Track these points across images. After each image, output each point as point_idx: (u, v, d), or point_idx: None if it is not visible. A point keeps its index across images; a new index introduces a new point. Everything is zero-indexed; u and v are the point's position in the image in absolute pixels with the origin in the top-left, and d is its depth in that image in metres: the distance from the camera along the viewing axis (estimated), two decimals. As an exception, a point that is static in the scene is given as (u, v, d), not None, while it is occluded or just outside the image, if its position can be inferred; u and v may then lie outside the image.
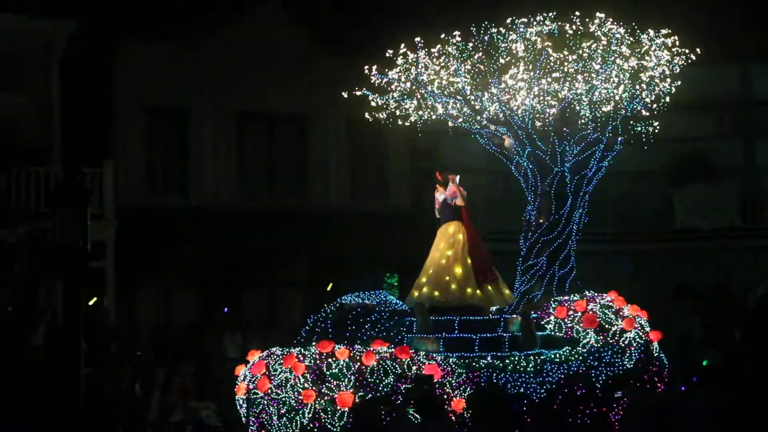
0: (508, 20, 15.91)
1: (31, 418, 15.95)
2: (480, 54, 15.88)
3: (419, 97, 16.22)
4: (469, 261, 15.88)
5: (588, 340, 15.35)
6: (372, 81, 16.24)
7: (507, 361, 14.80)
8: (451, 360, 14.58)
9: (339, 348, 14.07)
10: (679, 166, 28.83)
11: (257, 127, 27.07)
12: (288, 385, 13.78)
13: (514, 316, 15.60)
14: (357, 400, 13.60)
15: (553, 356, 15.02)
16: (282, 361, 14.04)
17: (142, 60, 25.63)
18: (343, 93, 16.50)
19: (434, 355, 14.63)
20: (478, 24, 15.94)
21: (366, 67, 16.28)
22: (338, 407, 13.66)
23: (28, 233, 19.87)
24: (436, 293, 15.62)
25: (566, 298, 15.87)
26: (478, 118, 16.28)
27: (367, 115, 16.39)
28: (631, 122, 16.31)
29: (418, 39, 16.01)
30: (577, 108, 16.10)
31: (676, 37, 16.15)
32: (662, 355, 15.74)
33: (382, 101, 16.29)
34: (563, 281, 16.15)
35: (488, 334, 15.22)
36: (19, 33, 24.15)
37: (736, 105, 29.14)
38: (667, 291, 25.21)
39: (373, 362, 13.90)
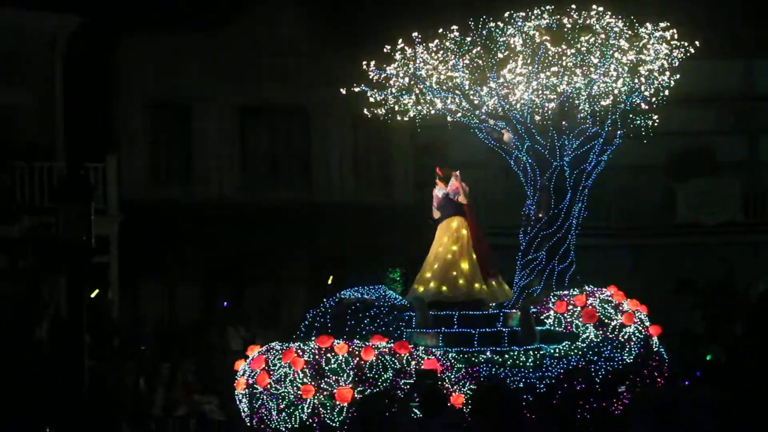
0: (506, 14, 15.85)
1: (36, 412, 15.99)
2: (478, 48, 15.83)
3: (417, 92, 16.18)
4: (474, 256, 15.85)
5: (587, 334, 15.34)
6: (370, 77, 16.21)
7: (506, 356, 14.79)
8: (450, 355, 14.57)
9: (338, 343, 14.06)
10: (681, 161, 28.78)
11: (260, 122, 27.11)
12: (287, 380, 13.78)
13: (514, 310, 15.57)
14: (359, 396, 13.59)
15: (552, 351, 15.01)
16: (281, 356, 14.04)
17: (145, 55, 25.70)
18: (341, 90, 16.47)
19: (433, 349, 14.62)
20: (476, 18, 15.89)
21: (364, 62, 16.25)
22: (337, 402, 13.66)
23: (32, 228, 19.93)
24: (444, 288, 15.58)
25: (566, 292, 15.83)
26: (477, 112, 16.23)
27: (365, 111, 16.37)
28: (630, 116, 16.26)
29: (415, 34, 15.97)
30: (576, 102, 16.05)
31: (675, 31, 16.09)
32: (662, 349, 15.71)
33: (380, 97, 16.26)
34: (563, 276, 16.10)
35: (487, 329, 15.18)
36: (22, 29, 24.23)
37: (740, 99, 29.07)
38: (667, 286, 25.18)
39: (372, 357, 13.90)
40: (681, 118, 25.89)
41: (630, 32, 15.97)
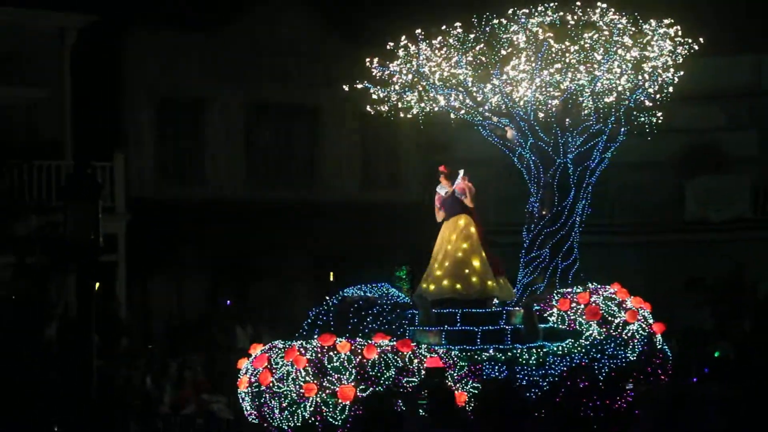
0: (510, 11, 15.84)
1: (44, 411, 16.02)
2: (481, 45, 15.82)
3: (421, 89, 16.16)
4: (484, 254, 15.81)
5: (591, 332, 15.26)
6: (374, 74, 16.20)
7: (509, 353, 14.74)
8: (453, 353, 14.52)
9: (340, 341, 14.01)
10: (690, 157, 28.67)
11: (266, 121, 27.11)
12: (290, 378, 13.75)
13: (517, 308, 15.53)
14: (366, 394, 13.53)
15: (555, 349, 14.95)
16: (284, 355, 14.01)
17: (153, 54, 25.71)
18: (344, 86, 16.47)
19: (436, 347, 14.58)
20: (479, 15, 15.87)
21: (368, 59, 16.24)
22: (340, 400, 13.63)
23: (40, 227, 19.91)
24: (458, 286, 15.47)
25: (569, 290, 15.78)
26: (480, 109, 16.21)
27: (369, 108, 16.36)
28: (634, 113, 16.22)
29: (419, 31, 15.95)
30: (580, 99, 16.04)
31: (679, 27, 16.04)
32: (666, 346, 15.65)
33: (383, 94, 16.24)
34: (566, 273, 16.08)
35: (490, 327, 15.12)
36: (30, 28, 24.27)
37: (749, 96, 28.96)
38: (671, 283, 25.10)
39: (374, 355, 13.83)
40: (689, 114, 25.85)
41: (634, 29, 15.95)
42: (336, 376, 13.67)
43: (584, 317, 15.37)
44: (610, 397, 14.94)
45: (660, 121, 16.26)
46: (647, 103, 16.25)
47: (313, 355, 13.83)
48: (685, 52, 16.12)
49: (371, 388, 13.59)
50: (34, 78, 24.13)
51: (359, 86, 16.26)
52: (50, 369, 17.33)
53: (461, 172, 15.98)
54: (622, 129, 16.30)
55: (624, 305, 15.49)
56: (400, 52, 16.08)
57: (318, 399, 13.60)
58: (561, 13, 15.76)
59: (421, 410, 13.34)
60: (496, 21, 15.84)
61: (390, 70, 16.18)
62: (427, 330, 15.19)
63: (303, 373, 13.70)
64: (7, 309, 18.95)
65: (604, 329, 15.27)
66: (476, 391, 14.12)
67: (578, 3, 15.82)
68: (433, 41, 15.97)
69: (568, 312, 15.48)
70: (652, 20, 16.04)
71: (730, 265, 25.69)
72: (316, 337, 14.49)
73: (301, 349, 13.95)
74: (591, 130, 16.21)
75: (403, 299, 15.84)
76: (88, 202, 12.41)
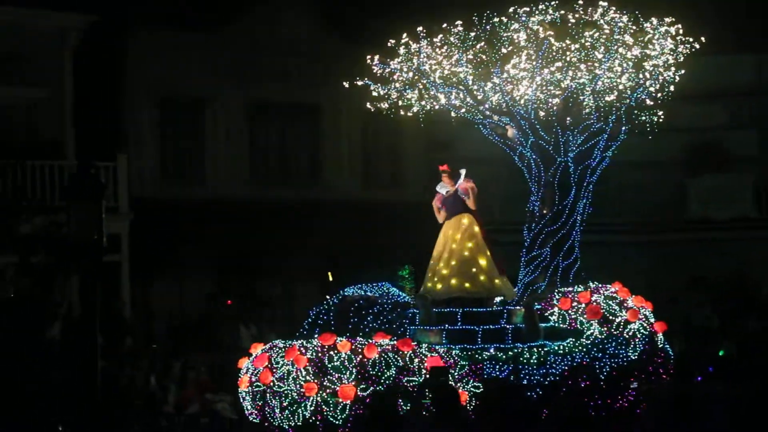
0: (510, 9, 15.81)
1: (48, 411, 16.02)
2: (482, 43, 15.80)
3: (421, 87, 16.14)
4: (488, 253, 15.79)
5: (592, 331, 15.25)
6: (374, 71, 16.18)
7: (510, 352, 14.71)
8: (453, 352, 14.50)
9: (341, 340, 14.00)
10: (693, 156, 28.61)
11: (269, 120, 27.08)
12: (290, 377, 13.73)
13: (518, 307, 15.50)
14: (362, 393, 13.52)
15: (556, 348, 14.93)
16: (284, 354, 14.00)
17: (155, 54, 25.66)
18: (344, 83, 16.44)
19: (437, 347, 14.56)
20: (480, 13, 15.85)
21: (368, 57, 16.22)
22: (340, 400, 13.61)
23: (43, 227, 19.93)
24: (467, 284, 15.50)
25: (570, 289, 15.76)
26: (481, 108, 16.19)
27: (369, 105, 16.34)
28: (635, 112, 16.18)
29: (420, 29, 15.93)
30: (581, 98, 16.01)
31: (680, 26, 16.00)
32: (667, 346, 15.62)
33: (383, 91, 16.22)
34: (567, 272, 16.05)
35: (491, 326, 15.11)
36: (32, 27, 24.25)
37: (750, 95, 28.89)
38: (671, 282, 25.03)
39: (375, 355, 13.82)
40: (690, 113, 25.82)
41: (635, 27, 15.92)
42: (336, 375, 13.65)
43: (585, 316, 15.37)
44: (611, 397, 14.91)
45: (661, 120, 16.23)
46: (648, 101, 16.22)
47: (314, 354, 13.83)
48: (686, 51, 16.09)
49: (372, 388, 13.57)
50: (35, 78, 24.11)
51: (359, 83, 16.22)
52: (54, 369, 17.34)
53: (463, 171, 15.96)
54: (623, 128, 16.27)
55: (625, 304, 15.48)
56: (401, 50, 16.06)
57: (318, 398, 13.59)
58: (562, 12, 15.75)
59: (424, 411, 13.31)
60: (496, 19, 15.83)
61: (390, 67, 16.16)
62: (428, 329, 15.18)
63: (303, 373, 13.68)
64: (10, 309, 18.97)
65: (605, 328, 15.26)
66: (477, 391, 14.10)
67: (579, 1, 15.80)
68: (434, 39, 15.94)
69: (569, 311, 15.49)
70: (653, 19, 16.01)
71: (733, 264, 25.65)
72: (316, 336, 14.48)
73: (302, 349, 13.94)
74: (592, 128, 16.19)
75: (404, 298, 15.82)
76: (91, 202, 12.38)
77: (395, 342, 14.20)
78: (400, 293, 15.96)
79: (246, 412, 14.54)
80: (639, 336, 15.30)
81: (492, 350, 14.67)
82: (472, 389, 14.13)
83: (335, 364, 13.73)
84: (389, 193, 27.20)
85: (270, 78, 26.24)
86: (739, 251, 26.41)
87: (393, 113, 16.39)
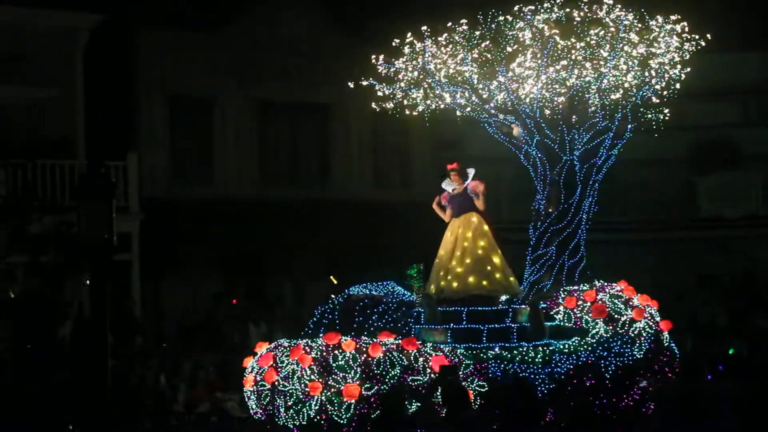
0: (515, 8, 15.79)
1: (58, 410, 16.08)
2: (487, 42, 15.78)
3: (426, 86, 16.13)
4: (499, 251, 15.77)
5: (597, 330, 15.20)
6: (379, 71, 16.18)
7: (515, 351, 14.68)
8: (458, 351, 14.47)
9: (346, 340, 13.98)
10: (703, 154, 28.52)
11: (279, 119, 27.12)
12: (295, 377, 13.72)
13: (523, 306, 15.46)
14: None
15: (562, 347, 14.88)
16: (289, 353, 14.00)
17: (165, 53, 25.74)
18: (349, 84, 16.45)
19: (442, 346, 14.53)
20: (484, 12, 15.83)
21: (373, 57, 16.22)
22: (345, 399, 13.60)
23: (54, 226, 19.99)
24: (485, 282, 15.42)
25: (576, 287, 15.72)
26: (486, 107, 16.16)
27: (374, 105, 16.33)
28: (641, 110, 16.14)
29: (425, 28, 15.92)
30: (586, 96, 15.97)
31: (686, 23, 15.95)
32: (673, 344, 15.57)
33: (389, 91, 16.22)
34: (573, 271, 16.01)
35: (496, 325, 15.06)
36: (42, 26, 24.34)
37: (756, 92, 28.80)
38: (679, 281, 24.97)
39: (379, 354, 13.79)
40: (696, 111, 25.79)
41: (640, 25, 15.88)
42: (341, 374, 13.63)
43: (591, 315, 15.31)
44: (616, 396, 14.87)
45: (667, 118, 16.18)
46: (654, 99, 16.17)
47: (319, 353, 13.79)
48: (692, 49, 16.03)
49: (376, 387, 13.55)
50: (46, 77, 24.18)
51: (364, 83, 16.22)
52: (64, 368, 17.40)
53: (472, 170, 15.92)
54: (629, 126, 16.22)
55: (631, 303, 15.43)
56: (406, 49, 16.04)
57: (323, 398, 13.56)
58: (567, 10, 15.71)
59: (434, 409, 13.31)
60: (501, 18, 15.79)
61: (396, 67, 16.15)
62: (433, 328, 15.15)
63: (308, 372, 13.67)
64: (21, 308, 19.05)
65: (611, 327, 15.21)
66: (482, 390, 14.09)
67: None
68: (439, 38, 15.92)
69: (575, 310, 15.43)
70: (658, 16, 15.96)
71: (742, 262, 25.56)
72: (321, 335, 14.47)
73: (307, 348, 13.92)
74: (597, 127, 16.14)
75: (409, 297, 15.79)
76: (101, 202, 12.41)
77: (400, 341, 14.16)
78: (405, 292, 15.92)
79: (251, 410, 14.54)
80: (644, 334, 15.22)
81: (497, 349, 14.64)
82: (477, 388, 14.10)
83: (340, 363, 13.68)
84: (397, 192, 27.21)
85: (278, 78, 26.29)
86: (750, 249, 26.32)
87: (398, 113, 16.37)
